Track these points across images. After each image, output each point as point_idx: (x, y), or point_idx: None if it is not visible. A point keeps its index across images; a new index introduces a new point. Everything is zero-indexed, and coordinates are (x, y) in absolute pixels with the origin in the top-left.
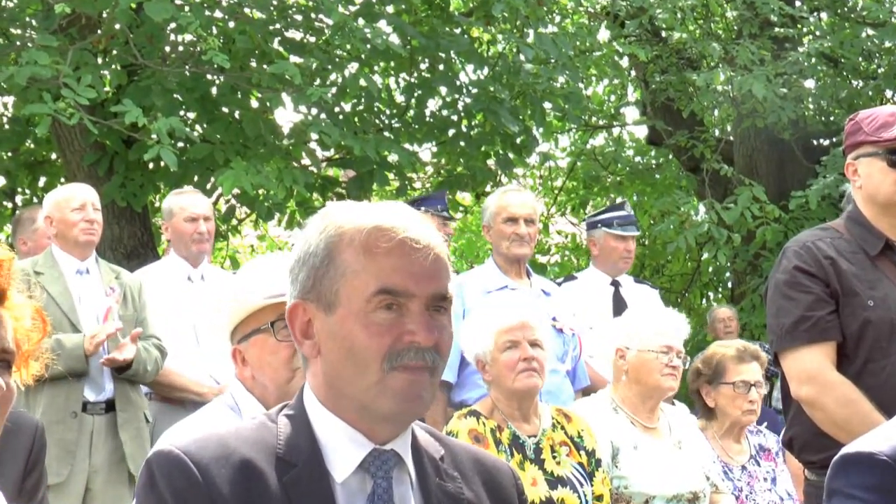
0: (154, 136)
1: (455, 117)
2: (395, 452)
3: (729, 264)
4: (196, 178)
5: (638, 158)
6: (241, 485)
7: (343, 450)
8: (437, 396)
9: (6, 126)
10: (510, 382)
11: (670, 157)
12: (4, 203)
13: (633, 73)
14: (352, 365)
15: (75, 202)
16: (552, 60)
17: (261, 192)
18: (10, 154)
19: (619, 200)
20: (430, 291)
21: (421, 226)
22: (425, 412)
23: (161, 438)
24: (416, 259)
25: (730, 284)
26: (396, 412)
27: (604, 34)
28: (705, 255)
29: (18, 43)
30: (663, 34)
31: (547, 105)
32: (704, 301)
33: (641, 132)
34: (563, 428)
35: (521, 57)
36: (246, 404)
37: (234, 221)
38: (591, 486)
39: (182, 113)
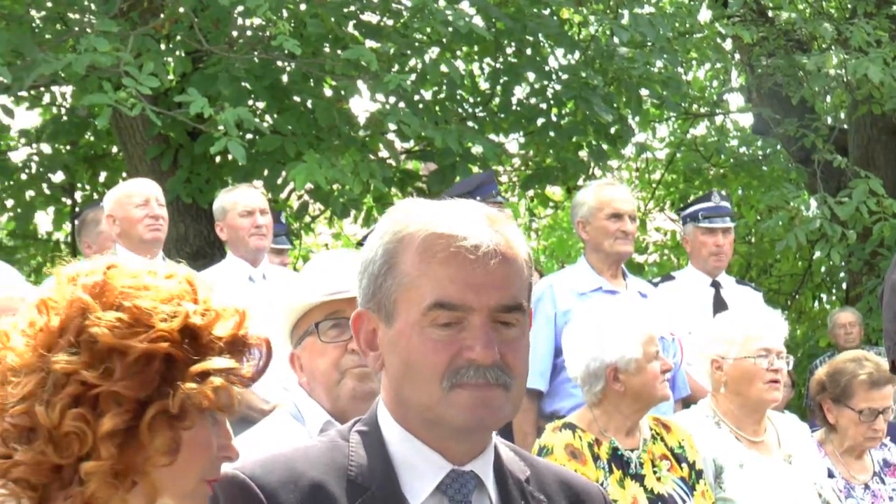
0: (221, 127)
1: (544, 105)
2: (474, 474)
3: (843, 264)
4: (266, 173)
5: (743, 149)
6: None
7: (419, 471)
8: (523, 407)
9: (64, 118)
10: (654, 391)
11: (778, 147)
12: (64, 199)
13: (737, 56)
14: (412, 381)
15: (138, 198)
16: (649, 43)
17: (335, 186)
18: (68, 147)
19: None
20: (491, 304)
21: (488, 228)
22: (499, 425)
23: None
24: (476, 268)
25: (844, 285)
26: (465, 426)
27: (705, 14)
28: (817, 254)
29: (77, 29)
30: (770, 14)
31: (643, 92)
32: (816, 303)
33: (746, 120)
34: (662, 439)
35: (616, 40)
36: (309, 412)
37: (308, 219)
38: (693, 499)
39: (250, 102)
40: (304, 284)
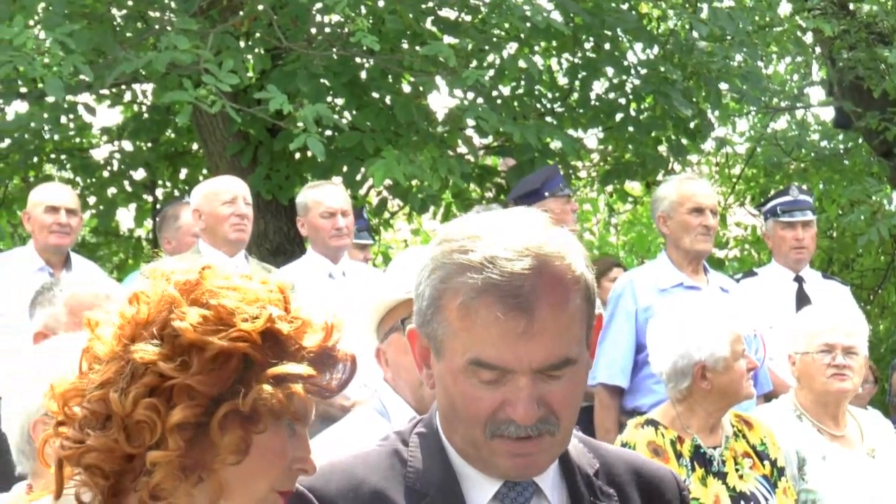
0: (300, 124)
1: (623, 100)
2: (531, 482)
3: None
4: (345, 169)
5: (824, 143)
6: None
7: (475, 480)
8: (604, 403)
9: (145, 115)
10: (740, 390)
11: (860, 140)
12: (144, 196)
13: (817, 49)
14: (457, 419)
15: (226, 195)
16: (728, 37)
17: (414, 182)
18: (149, 145)
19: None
20: (534, 366)
21: (538, 278)
22: (544, 469)
23: None
24: (519, 331)
25: None
26: (507, 475)
27: (785, 7)
28: None
29: (157, 27)
30: (851, 6)
31: (723, 86)
32: None
33: (828, 114)
34: (744, 436)
35: (695, 34)
36: (395, 408)
37: (387, 215)
38: (775, 497)
39: (329, 99)
40: (390, 281)
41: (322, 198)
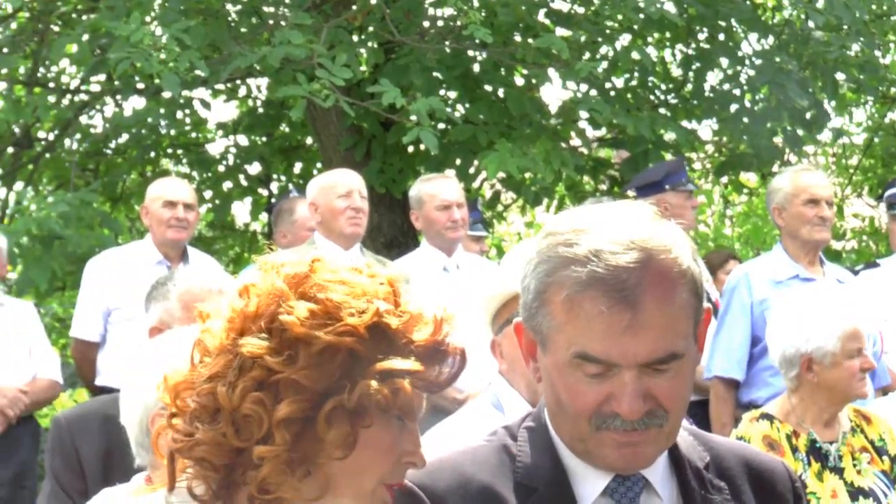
0: (413, 117)
1: (737, 91)
2: (641, 476)
3: None
4: (458, 162)
5: None
6: None
7: (584, 474)
8: (720, 396)
9: (260, 110)
10: (849, 389)
11: None
12: (259, 190)
13: None
14: (562, 413)
15: (342, 189)
16: (845, 27)
17: (527, 175)
18: (264, 139)
19: None
20: (640, 360)
21: (644, 272)
22: (651, 462)
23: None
24: (625, 325)
25: None
26: (613, 467)
27: None
28: None
29: (271, 22)
30: None
31: (840, 76)
32: None
33: None
34: (862, 431)
35: (810, 24)
36: (510, 402)
37: (500, 207)
38: (894, 492)
39: (442, 92)
40: (506, 273)
41: (437, 191)
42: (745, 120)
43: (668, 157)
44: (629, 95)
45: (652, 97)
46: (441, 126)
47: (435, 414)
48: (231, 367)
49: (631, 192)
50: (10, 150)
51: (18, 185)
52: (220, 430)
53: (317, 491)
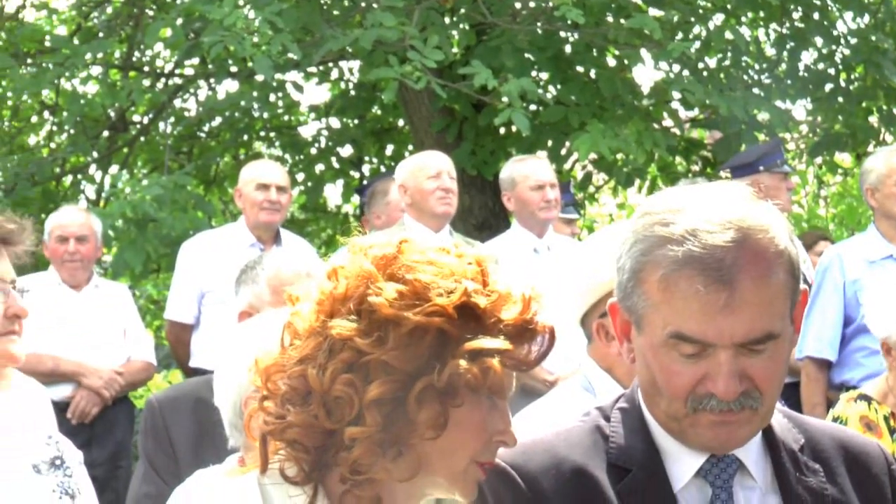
0: (505, 99)
1: (832, 71)
2: (735, 457)
3: None
4: (550, 143)
5: None
6: (572, 496)
7: (677, 455)
8: (812, 377)
9: (352, 92)
10: None
11: None
12: (351, 173)
13: None
14: (657, 393)
15: (431, 170)
16: None
17: (619, 156)
18: (356, 121)
19: None
20: (736, 340)
21: (741, 251)
22: (745, 443)
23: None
24: (721, 304)
25: None
26: (708, 448)
27: None
28: None
29: (363, 4)
30: None
31: None
32: None
33: None
34: None
35: None
36: (601, 385)
37: (592, 189)
38: None
39: (534, 74)
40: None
41: (530, 171)
42: (840, 99)
43: (762, 137)
44: (722, 75)
45: (745, 77)
46: (533, 107)
47: (525, 396)
48: (321, 350)
49: (726, 174)
50: (106, 133)
51: (114, 169)
52: (311, 412)
53: (409, 471)
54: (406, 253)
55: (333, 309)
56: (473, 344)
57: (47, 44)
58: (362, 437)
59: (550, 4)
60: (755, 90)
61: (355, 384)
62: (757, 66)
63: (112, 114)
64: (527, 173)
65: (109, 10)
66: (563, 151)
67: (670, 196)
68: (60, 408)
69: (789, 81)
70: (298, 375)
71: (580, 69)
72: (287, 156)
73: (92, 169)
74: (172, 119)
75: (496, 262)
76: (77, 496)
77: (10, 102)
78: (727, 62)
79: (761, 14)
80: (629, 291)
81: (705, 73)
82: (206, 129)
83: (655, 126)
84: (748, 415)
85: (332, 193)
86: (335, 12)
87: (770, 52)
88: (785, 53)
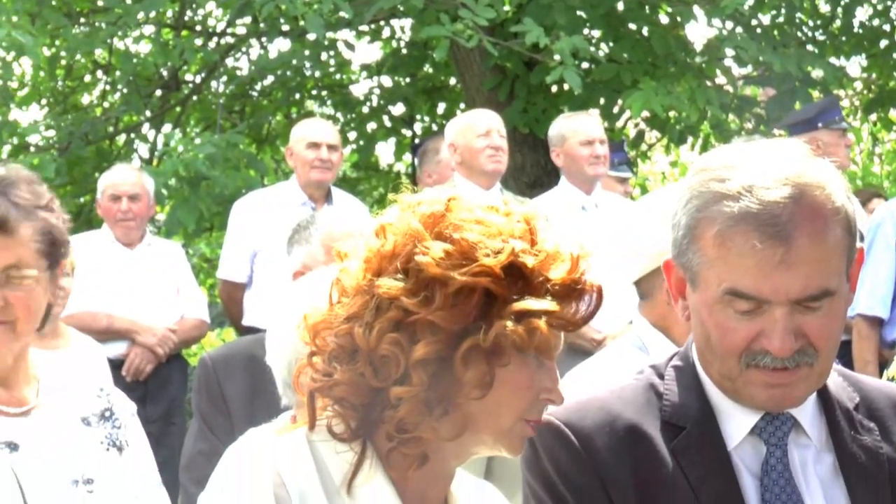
0: (557, 56)
1: (887, 27)
2: (790, 415)
3: None
4: (602, 101)
5: None
6: (626, 453)
7: (731, 413)
8: (864, 335)
9: (404, 51)
10: None
11: None
12: (403, 131)
13: None
14: (712, 351)
15: (480, 128)
16: None
17: (672, 114)
18: (408, 80)
19: None
20: (791, 297)
21: (797, 207)
22: (801, 402)
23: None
24: (777, 260)
25: None
26: (762, 406)
27: None
28: None
29: None
30: None
31: None
32: None
33: None
34: None
35: None
36: (654, 344)
37: (644, 147)
38: None
39: (586, 31)
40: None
41: (579, 126)
42: (895, 56)
43: (816, 94)
44: (776, 32)
45: (799, 34)
46: (585, 65)
47: (573, 355)
48: (368, 308)
49: (783, 131)
50: (159, 92)
51: (166, 128)
52: (357, 370)
53: (455, 430)
54: (454, 211)
55: (381, 267)
56: (520, 305)
57: (100, 3)
58: (408, 397)
59: None
60: (809, 47)
61: (402, 343)
62: (811, 23)
63: (164, 73)
64: (576, 128)
65: None
66: (616, 109)
67: (726, 152)
68: (115, 365)
69: (844, 38)
70: (345, 333)
71: (632, 26)
72: (339, 114)
73: (145, 128)
74: (225, 78)
75: (547, 219)
76: (125, 448)
77: (63, 62)
78: (781, 19)
79: None
80: (684, 248)
81: (759, 30)
82: (258, 88)
83: (708, 83)
84: (805, 372)
85: (384, 152)
86: None
87: (824, 8)
88: (839, 9)
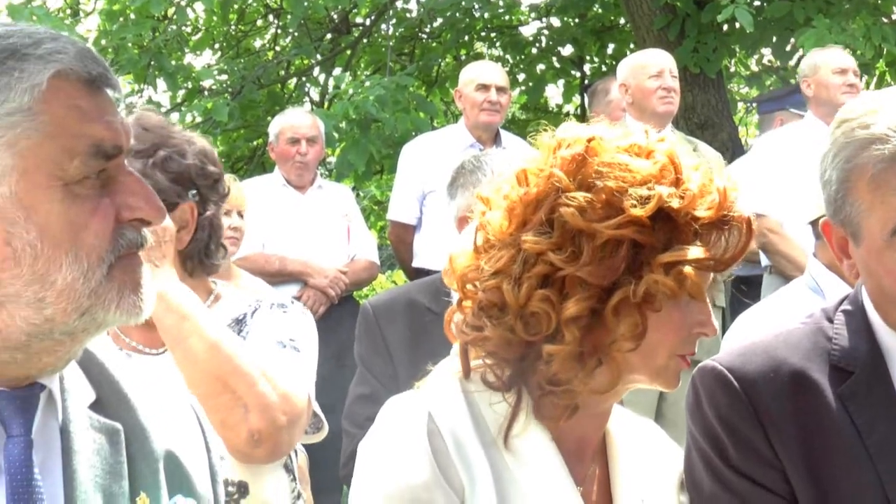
0: None
1: None
2: None
3: None
4: (774, 40)
5: None
6: (791, 400)
7: None
8: None
9: None
10: None
11: None
12: (573, 72)
13: None
14: (886, 302)
15: (652, 69)
16: None
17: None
18: (577, 20)
19: None
20: None
21: None
22: None
23: (734, 324)
24: None
25: None
26: None
27: None
28: None
29: None
30: None
31: None
32: None
33: None
34: None
35: None
36: (830, 286)
37: None
38: None
39: None
40: None
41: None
42: None
43: None
44: None
45: None
46: (756, 3)
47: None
48: (515, 263)
49: None
50: (329, 36)
51: (337, 71)
52: (507, 325)
53: (608, 382)
54: (595, 154)
55: (525, 217)
56: (668, 256)
57: None
58: (560, 354)
59: None
60: None
61: (552, 300)
62: None
63: (335, 16)
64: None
65: None
66: (788, 48)
67: (864, 100)
68: None
69: None
70: (493, 288)
71: None
72: (508, 56)
73: (315, 71)
74: (394, 20)
75: (695, 148)
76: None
77: (236, 6)
78: None
79: None
80: (840, 203)
81: None
82: (427, 30)
83: (884, 20)
84: None
85: (553, 93)
86: None
87: None
88: None
